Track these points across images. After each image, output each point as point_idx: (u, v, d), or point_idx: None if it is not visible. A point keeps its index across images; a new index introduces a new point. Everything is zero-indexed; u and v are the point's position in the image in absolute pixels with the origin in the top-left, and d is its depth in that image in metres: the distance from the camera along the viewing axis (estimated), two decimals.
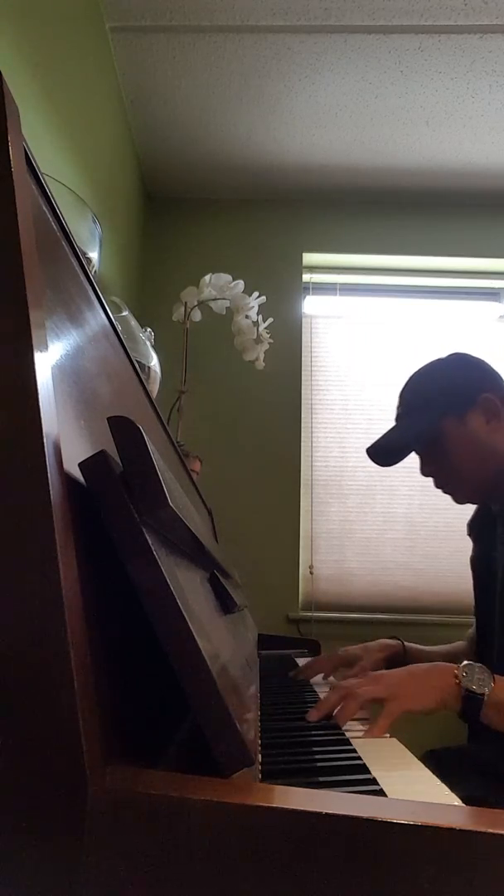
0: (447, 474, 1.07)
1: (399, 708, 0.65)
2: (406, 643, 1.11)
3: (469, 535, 1.18)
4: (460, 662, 1.14)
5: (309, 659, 1.14)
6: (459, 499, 1.10)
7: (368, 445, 1.11)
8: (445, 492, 1.10)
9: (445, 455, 1.04)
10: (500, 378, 1.08)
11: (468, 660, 1.14)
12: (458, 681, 0.68)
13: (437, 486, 1.11)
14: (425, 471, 1.11)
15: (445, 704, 0.67)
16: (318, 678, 1.03)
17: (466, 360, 1.10)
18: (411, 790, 0.46)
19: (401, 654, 1.09)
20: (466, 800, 0.41)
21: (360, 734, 0.63)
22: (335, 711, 0.66)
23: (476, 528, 1.16)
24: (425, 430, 1.04)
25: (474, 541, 1.17)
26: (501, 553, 1.03)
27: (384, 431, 1.11)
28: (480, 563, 1.13)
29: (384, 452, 1.10)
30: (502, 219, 2.46)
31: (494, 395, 1.03)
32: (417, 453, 1.11)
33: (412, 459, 1.13)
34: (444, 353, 1.13)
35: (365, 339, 2.44)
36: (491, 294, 2.54)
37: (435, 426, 1.04)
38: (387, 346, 2.43)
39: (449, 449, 1.04)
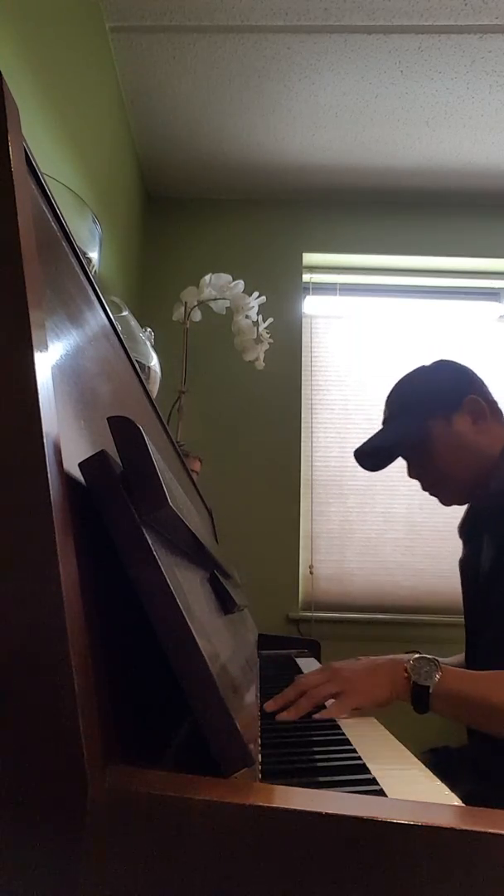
0: (434, 476, 1.09)
1: (352, 703, 0.70)
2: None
3: (460, 536, 1.19)
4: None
5: (311, 660, 1.13)
6: (445, 500, 1.12)
7: (355, 449, 1.13)
8: (432, 493, 1.13)
9: (432, 456, 1.07)
10: (484, 383, 1.12)
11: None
12: (407, 675, 0.71)
13: (424, 488, 1.13)
14: (412, 473, 1.13)
15: (397, 696, 0.71)
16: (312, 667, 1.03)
17: (452, 365, 1.14)
18: (411, 790, 0.46)
19: None
20: (466, 800, 0.41)
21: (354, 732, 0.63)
22: (290, 708, 0.70)
23: (466, 529, 1.17)
24: (413, 431, 1.07)
25: (464, 542, 1.17)
26: (487, 554, 1.04)
27: (371, 435, 1.13)
28: (468, 565, 1.13)
29: (372, 456, 1.12)
30: (502, 219, 2.46)
31: (479, 398, 1.07)
32: (404, 457, 1.13)
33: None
34: (429, 360, 1.17)
35: (365, 339, 2.44)
36: (491, 294, 2.54)
37: (422, 428, 1.06)
38: (387, 346, 2.43)
39: (435, 450, 1.06)
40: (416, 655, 0.73)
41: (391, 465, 1.14)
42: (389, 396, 1.17)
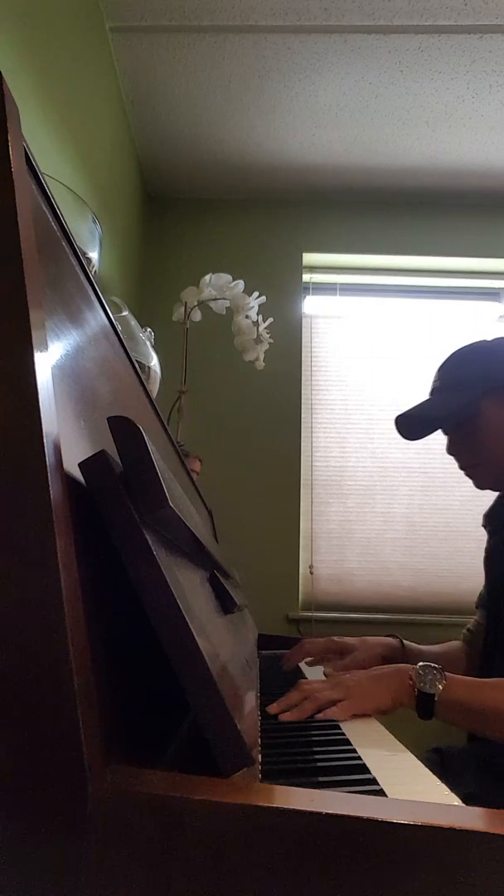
0: (475, 456, 1.05)
1: (354, 708, 0.70)
2: (405, 642, 1.09)
3: (484, 525, 1.16)
4: (455, 662, 1.12)
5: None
6: (481, 483, 1.08)
7: (397, 415, 1.09)
8: (468, 474, 1.09)
9: (478, 436, 1.03)
10: None
11: (466, 657, 1.12)
12: (411, 682, 0.71)
13: (461, 467, 1.09)
14: (451, 450, 1.09)
15: (401, 703, 0.72)
16: (314, 671, 1.03)
17: None
18: (411, 790, 0.46)
19: (399, 653, 1.07)
20: (466, 800, 0.41)
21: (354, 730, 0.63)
22: (293, 710, 0.70)
23: (494, 519, 1.14)
24: (461, 407, 1.03)
25: (491, 533, 1.14)
26: None
27: (416, 403, 1.09)
28: (494, 556, 1.11)
29: (413, 424, 1.08)
30: (502, 219, 2.46)
31: None
32: (445, 431, 1.09)
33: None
34: (490, 336, 1.12)
35: (365, 339, 2.44)
36: (491, 294, 2.54)
37: (473, 404, 1.02)
38: (387, 345, 2.43)
39: (483, 430, 1.02)
40: (421, 663, 0.73)
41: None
42: (443, 366, 1.12)
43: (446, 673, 0.72)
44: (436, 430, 1.09)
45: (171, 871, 0.24)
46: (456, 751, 1.05)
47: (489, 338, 1.12)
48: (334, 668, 0.96)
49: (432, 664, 0.73)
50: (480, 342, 1.11)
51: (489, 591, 1.11)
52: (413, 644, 1.11)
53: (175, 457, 1.02)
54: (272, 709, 0.70)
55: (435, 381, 1.13)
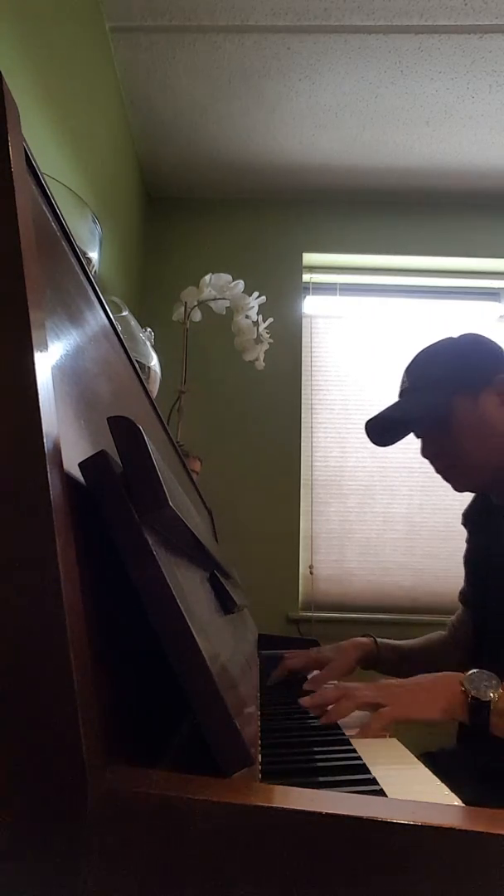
0: (451, 458, 1.01)
1: (394, 714, 0.63)
2: (379, 640, 1.05)
3: (464, 524, 1.14)
4: (436, 655, 1.10)
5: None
6: (459, 486, 1.04)
7: (367, 420, 1.05)
8: (445, 477, 1.04)
9: (452, 436, 0.98)
10: None
11: (447, 648, 1.11)
12: (463, 689, 0.65)
13: (438, 470, 1.05)
14: (426, 453, 1.05)
15: (452, 714, 0.65)
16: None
17: (481, 339, 1.05)
18: (411, 790, 0.46)
19: (374, 653, 1.03)
20: (464, 801, 0.41)
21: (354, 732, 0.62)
22: (329, 708, 0.64)
23: (473, 518, 1.12)
24: (434, 407, 0.99)
25: (470, 532, 1.12)
26: (502, 545, 1.00)
27: (385, 406, 1.05)
28: (477, 555, 1.09)
29: (384, 429, 1.05)
30: (502, 219, 2.46)
31: None
32: (418, 434, 1.05)
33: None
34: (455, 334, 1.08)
35: (365, 339, 2.44)
36: (491, 294, 2.54)
37: (444, 404, 0.98)
38: (387, 346, 2.43)
39: (457, 430, 0.97)
40: (472, 671, 0.66)
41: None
42: (410, 366, 1.07)
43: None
44: (408, 433, 1.06)
45: (172, 871, 0.24)
46: (451, 753, 1.04)
47: (455, 335, 1.08)
48: (312, 679, 0.88)
49: (482, 671, 0.66)
50: (446, 340, 1.07)
51: (475, 591, 1.10)
52: (387, 640, 1.07)
53: (175, 457, 1.02)
54: (305, 702, 0.64)
55: (403, 383, 1.08)
